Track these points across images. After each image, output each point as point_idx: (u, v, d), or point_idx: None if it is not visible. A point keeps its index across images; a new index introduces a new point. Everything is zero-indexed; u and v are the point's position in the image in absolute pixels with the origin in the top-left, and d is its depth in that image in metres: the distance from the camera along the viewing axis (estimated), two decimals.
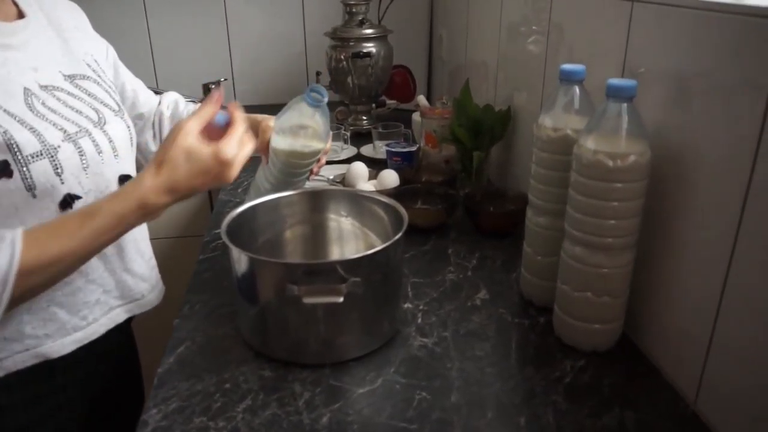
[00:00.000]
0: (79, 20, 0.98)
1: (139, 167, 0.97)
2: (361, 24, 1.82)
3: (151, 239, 1.03)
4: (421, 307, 0.96)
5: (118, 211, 0.73)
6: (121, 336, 0.97)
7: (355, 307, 0.82)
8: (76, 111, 0.84)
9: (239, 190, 1.45)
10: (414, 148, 1.49)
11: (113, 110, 0.91)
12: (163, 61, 2.14)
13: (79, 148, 0.80)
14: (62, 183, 0.78)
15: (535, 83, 1.22)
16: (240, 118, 0.80)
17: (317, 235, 1.04)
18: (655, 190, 0.79)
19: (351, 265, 0.80)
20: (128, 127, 0.94)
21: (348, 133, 1.72)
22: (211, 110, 0.78)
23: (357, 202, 1.01)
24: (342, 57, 1.82)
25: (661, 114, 0.79)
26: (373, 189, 1.30)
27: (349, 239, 1.04)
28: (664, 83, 0.78)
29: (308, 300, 0.78)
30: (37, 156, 0.75)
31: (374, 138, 1.68)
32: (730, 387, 0.70)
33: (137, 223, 0.76)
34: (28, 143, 0.74)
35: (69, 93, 0.86)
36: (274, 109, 1.13)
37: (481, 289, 1.01)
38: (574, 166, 0.79)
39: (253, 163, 0.94)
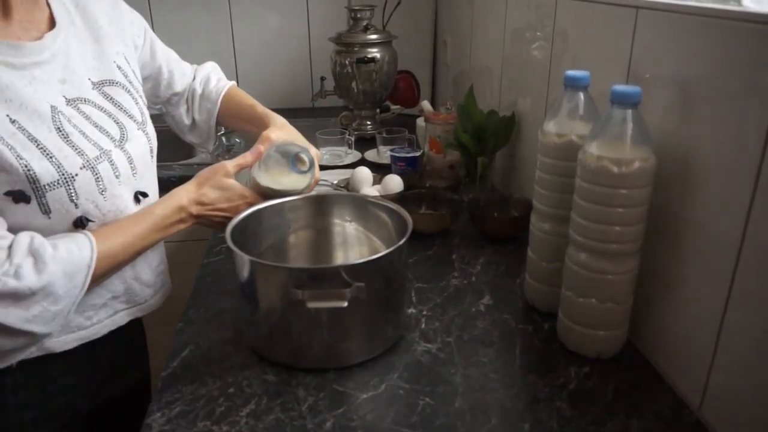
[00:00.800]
0: (113, 13, 0.98)
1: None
2: (366, 29, 1.82)
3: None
4: (424, 313, 0.96)
5: (161, 213, 0.90)
6: (122, 337, 0.97)
7: (359, 312, 0.82)
8: (100, 129, 0.87)
9: None
10: (418, 154, 1.49)
11: (137, 122, 0.94)
12: None
13: (96, 174, 0.84)
14: (76, 207, 0.82)
15: (539, 89, 1.22)
16: None
17: (321, 240, 1.04)
18: (659, 197, 0.79)
19: (355, 270, 0.80)
20: (149, 139, 0.96)
21: (352, 138, 1.73)
22: (249, 161, 0.98)
23: (361, 207, 1.02)
24: (347, 62, 1.82)
25: (666, 120, 0.79)
26: (377, 194, 1.30)
27: (353, 244, 1.04)
28: (669, 89, 0.78)
29: (312, 305, 0.78)
30: (54, 185, 0.79)
31: (378, 143, 1.68)
32: (734, 394, 0.70)
33: (176, 226, 0.92)
34: (46, 173, 0.78)
35: (95, 105, 0.88)
36: (278, 114, 1.14)
37: (485, 295, 1.01)
38: (578, 172, 0.79)
39: None
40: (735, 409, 0.70)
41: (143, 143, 0.94)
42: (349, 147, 1.71)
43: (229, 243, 0.83)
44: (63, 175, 0.80)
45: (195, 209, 0.93)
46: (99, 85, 0.90)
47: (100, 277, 0.84)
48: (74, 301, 0.79)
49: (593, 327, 0.83)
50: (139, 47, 1.04)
